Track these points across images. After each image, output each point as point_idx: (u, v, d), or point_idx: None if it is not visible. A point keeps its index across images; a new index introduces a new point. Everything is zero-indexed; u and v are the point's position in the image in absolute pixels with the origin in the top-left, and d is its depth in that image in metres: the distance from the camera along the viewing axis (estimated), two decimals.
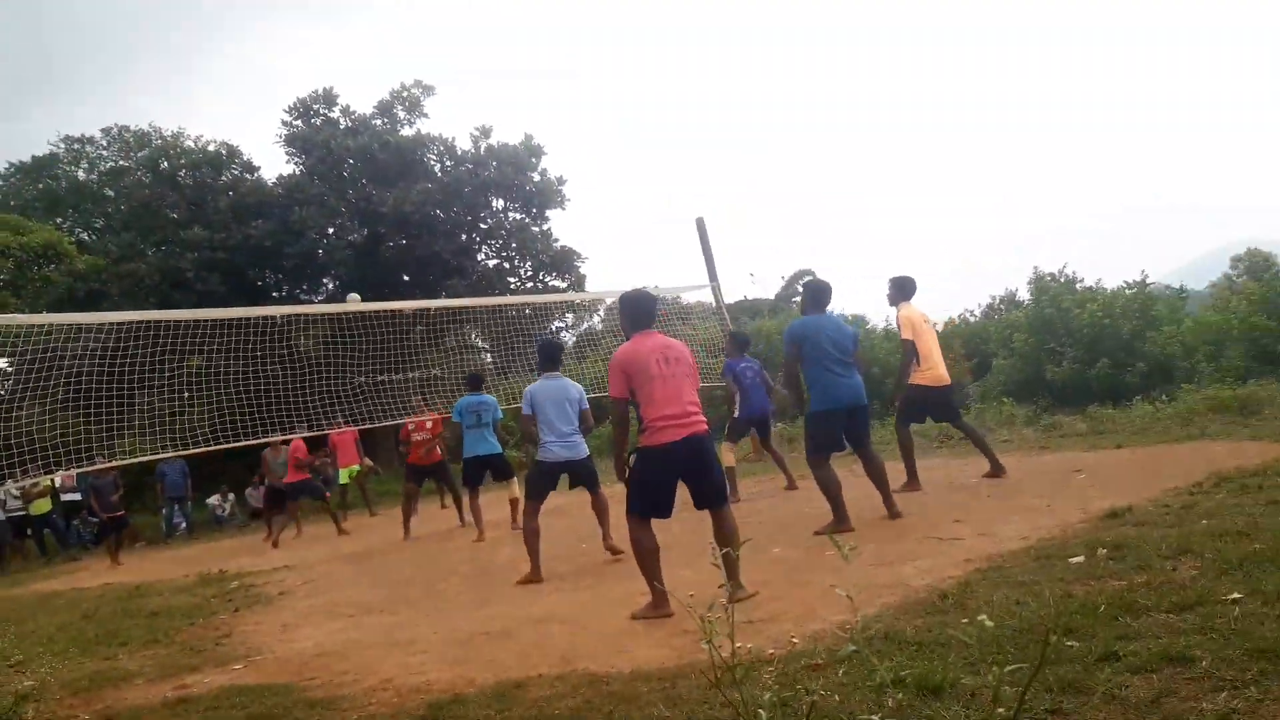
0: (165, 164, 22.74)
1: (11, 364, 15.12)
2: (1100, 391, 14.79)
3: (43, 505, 16.44)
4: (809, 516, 7.36)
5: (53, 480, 15.03)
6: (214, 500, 19.14)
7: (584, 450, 7.34)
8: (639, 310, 5.47)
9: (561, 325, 24.12)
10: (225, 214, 21.18)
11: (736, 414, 9.91)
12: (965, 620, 3.74)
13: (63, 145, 25.98)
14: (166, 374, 12.04)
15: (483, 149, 22.77)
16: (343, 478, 15.34)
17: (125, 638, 6.68)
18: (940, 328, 23.18)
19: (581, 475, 7.41)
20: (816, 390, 7.11)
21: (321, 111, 22.93)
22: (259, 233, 20.75)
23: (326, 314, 14.44)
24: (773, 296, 28.02)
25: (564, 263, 23.59)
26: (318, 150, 22.04)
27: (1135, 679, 2.93)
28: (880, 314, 24.06)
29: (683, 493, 5.28)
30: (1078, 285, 18.65)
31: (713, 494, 5.31)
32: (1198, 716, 2.58)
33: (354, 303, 12.94)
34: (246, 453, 13.81)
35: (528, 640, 4.94)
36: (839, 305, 27.69)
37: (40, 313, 17.40)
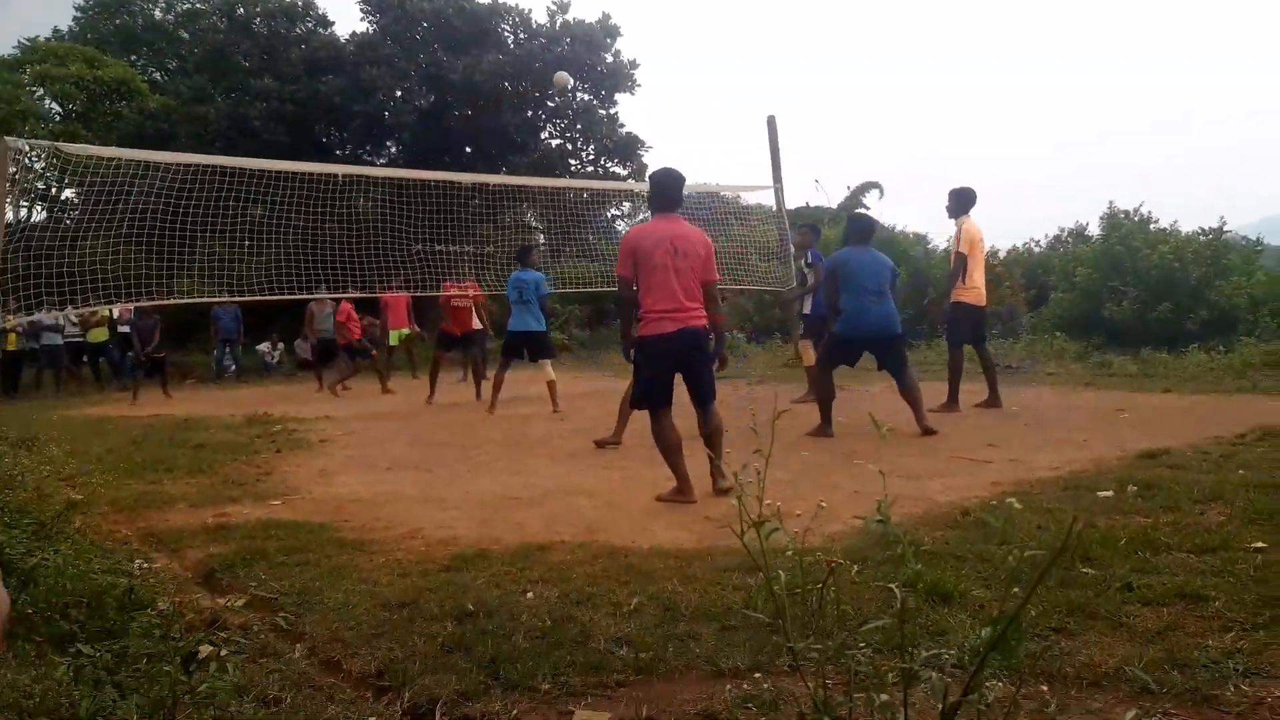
0: (241, 10, 22.66)
1: (79, 195, 15.45)
2: (1157, 335, 14.53)
3: (100, 334, 16.99)
4: (844, 426, 7.39)
5: (111, 311, 15.50)
6: (264, 347, 19.66)
7: None
8: (665, 191, 5.34)
9: (618, 214, 24.00)
10: (296, 66, 21.14)
11: (808, 310, 9.58)
12: (985, 540, 3.79)
13: None
14: (227, 220, 12.22)
15: (558, 24, 22.35)
16: (392, 339, 15.62)
17: (170, 465, 6.96)
18: (1002, 255, 22.70)
19: None
20: (846, 314, 7.36)
21: None
22: (328, 88, 20.71)
23: (389, 178, 14.48)
24: (835, 205, 27.47)
25: (627, 150, 23.32)
26: (392, 10, 21.77)
27: (1145, 610, 2.95)
28: (943, 234, 23.56)
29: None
30: (1152, 226, 18.14)
31: (700, 392, 5.34)
32: (1201, 651, 2.60)
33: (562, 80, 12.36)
34: (298, 306, 14.15)
35: (554, 510, 5.08)
36: (904, 222, 27.11)
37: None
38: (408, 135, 21.92)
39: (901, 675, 1.75)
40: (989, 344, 9.03)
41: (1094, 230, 20.76)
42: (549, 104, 23.05)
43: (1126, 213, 18.78)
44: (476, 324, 12.34)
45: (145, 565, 3.88)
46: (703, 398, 5.35)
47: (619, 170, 23.38)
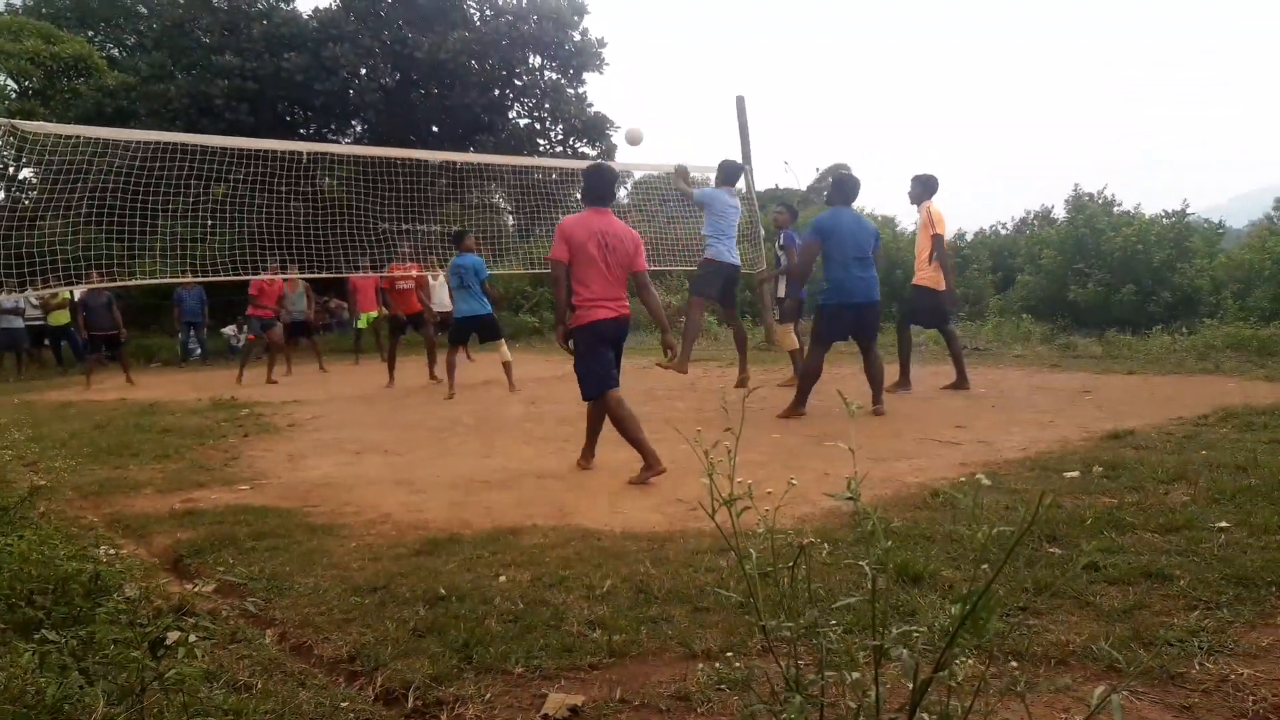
0: None
1: (37, 174, 15.12)
2: (1122, 317, 14.71)
3: (61, 317, 16.68)
4: (813, 408, 7.43)
5: (71, 294, 15.22)
6: (229, 330, 19.42)
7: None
8: (598, 185, 5.58)
9: None
10: (258, 43, 20.77)
11: (784, 294, 9.51)
12: (953, 521, 3.83)
13: None
14: (190, 200, 12.03)
15: (524, 1, 22.11)
16: (361, 322, 15.63)
17: (136, 450, 6.87)
18: (969, 239, 22.86)
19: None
20: (832, 285, 7.31)
21: None
22: (291, 66, 20.37)
23: (355, 155, 14.29)
24: (804, 188, 27.55)
25: (596, 129, 23.18)
26: None
27: (1111, 589, 3.00)
28: (910, 218, 23.71)
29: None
30: (1115, 209, 18.35)
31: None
32: (1166, 630, 2.65)
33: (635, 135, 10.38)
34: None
35: (526, 493, 5.07)
36: (870, 206, 27.27)
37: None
38: (372, 114, 21.64)
39: (873, 653, 1.76)
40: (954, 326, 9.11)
41: (1059, 213, 20.97)
42: (516, 82, 22.85)
43: (1091, 194, 18.97)
44: (417, 303, 12.42)
45: (112, 551, 3.82)
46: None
47: (588, 150, 23.23)
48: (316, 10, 22.24)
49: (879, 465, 5.23)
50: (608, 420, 5.51)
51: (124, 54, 25.07)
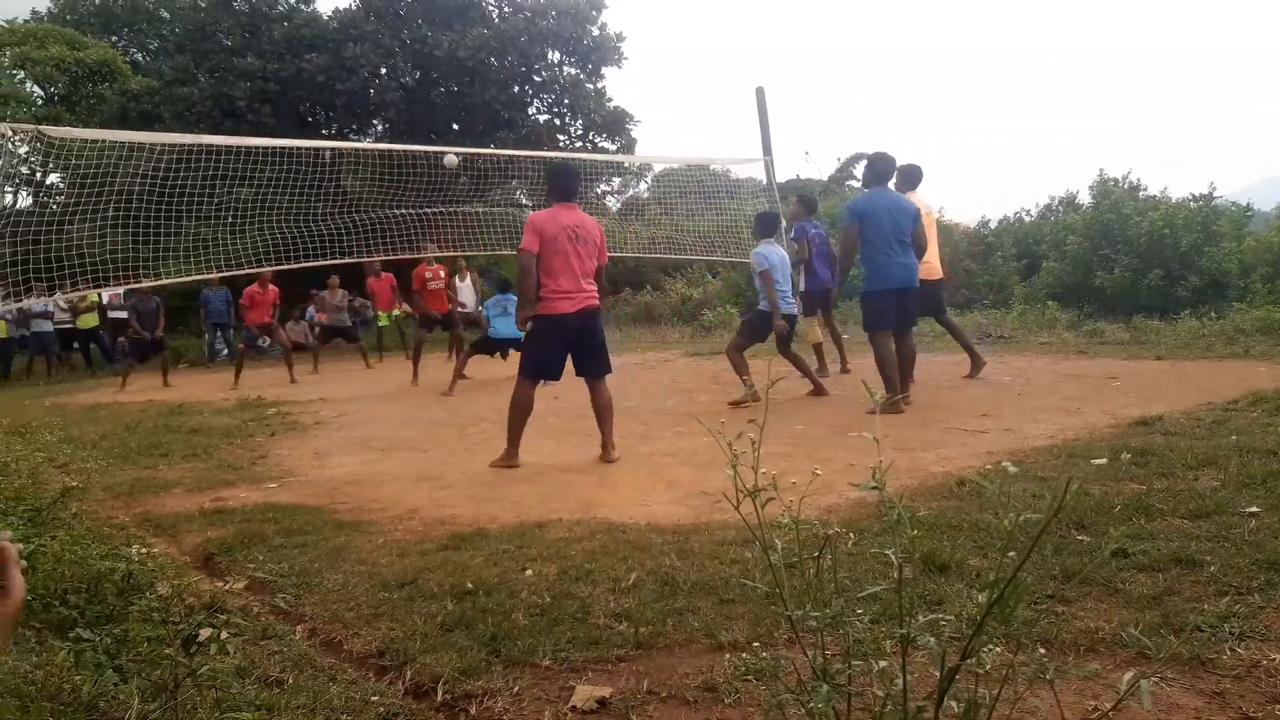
0: None
1: (64, 179, 15.30)
2: (1149, 303, 14.55)
3: (90, 320, 16.89)
4: (839, 399, 7.40)
5: (100, 296, 15.41)
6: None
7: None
8: (563, 182, 5.84)
9: (608, 189, 23.88)
10: (279, 45, 20.94)
11: (805, 286, 9.32)
12: (980, 509, 3.80)
13: None
14: (215, 201, 12.12)
15: None
16: (383, 320, 15.96)
17: (165, 450, 6.95)
18: (994, 226, 22.66)
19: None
20: (870, 269, 7.12)
21: None
22: (312, 67, 20.52)
23: (377, 150, 14.40)
24: (826, 178, 27.39)
25: (616, 124, 23.16)
26: None
27: (1140, 576, 2.98)
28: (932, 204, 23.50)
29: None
30: (1141, 193, 18.12)
31: (594, 365, 5.83)
32: (1196, 615, 2.63)
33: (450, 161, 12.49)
34: (287, 288, 14.12)
35: (551, 487, 5.09)
36: None
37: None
38: (393, 113, 21.75)
39: (900, 641, 1.76)
40: (949, 314, 9.04)
41: (1084, 199, 20.72)
42: (535, 79, 22.88)
43: (1116, 179, 18.76)
44: (447, 302, 12.72)
45: (143, 550, 3.87)
46: (597, 372, 5.82)
47: (608, 145, 23.23)
48: (336, 11, 22.40)
49: (904, 455, 5.20)
50: (602, 414, 5.83)
51: (147, 58, 25.32)
